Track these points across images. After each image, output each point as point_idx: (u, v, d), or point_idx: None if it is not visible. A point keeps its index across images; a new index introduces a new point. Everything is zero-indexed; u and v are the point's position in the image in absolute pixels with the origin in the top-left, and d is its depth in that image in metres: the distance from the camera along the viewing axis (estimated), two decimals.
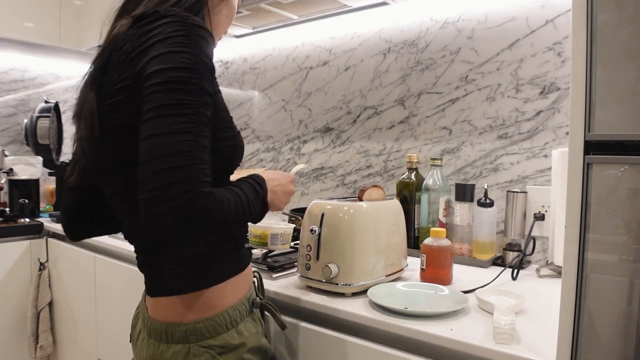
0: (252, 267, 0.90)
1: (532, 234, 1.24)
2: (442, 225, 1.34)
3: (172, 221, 0.58)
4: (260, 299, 0.89)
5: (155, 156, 0.59)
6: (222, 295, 0.77)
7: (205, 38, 0.65)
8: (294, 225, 1.25)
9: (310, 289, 1.02)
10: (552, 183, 1.17)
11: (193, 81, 0.62)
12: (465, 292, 0.96)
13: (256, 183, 0.75)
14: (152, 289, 0.78)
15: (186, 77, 0.61)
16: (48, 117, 2.22)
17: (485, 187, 1.31)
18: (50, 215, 2.13)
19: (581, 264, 0.62)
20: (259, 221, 0.77)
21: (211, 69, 0.66)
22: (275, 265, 1.15)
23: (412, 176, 1.41)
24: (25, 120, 2.29)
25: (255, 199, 0.72)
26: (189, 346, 0.73)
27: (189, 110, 0.60)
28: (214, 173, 0.68)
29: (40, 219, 2.09)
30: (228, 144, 0.74)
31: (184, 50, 0.62)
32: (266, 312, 0.91)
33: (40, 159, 2.28)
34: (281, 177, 0.83)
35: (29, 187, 2.14)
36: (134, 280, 1.40)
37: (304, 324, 0.96)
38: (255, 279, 0.92)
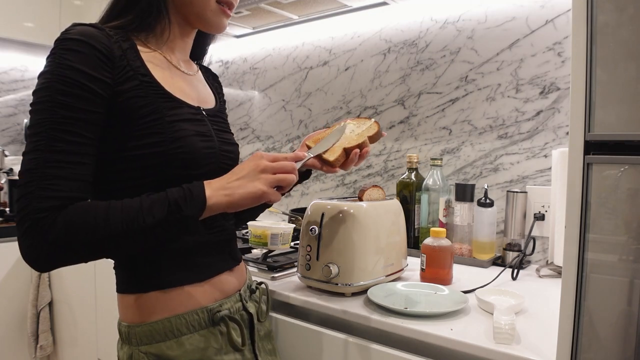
0: (241, 280, 0.86)
1: (532, 234, 1.24)
2: (442, 225, 1.34)
3: (19, 236, 0.62)
4: (245, 314, 0.84)
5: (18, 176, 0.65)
6: (165, 302, 0.73)
7: (72, 48, 0.65)
8: (294, 225, 1.25)
9: (310, 289, 1.02)
10: (552, 183, 1.17)
11: (45, 99, 0.63)
12: (465, 292, 0.96)
13: (177, 189, 0.68)
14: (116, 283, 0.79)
15: (40, 97, 0.64)
16: None
17: (485, 187, 1.31)
18: None
19: (581, 264, 0.62)
20: (180, 225, 0.67)
21: (71, 80, 0.64)
22: (275, 265, 1.15)
23: (412, 176, 1.41)
24: (25, 120, 2.29)
25: (159, 205, 0.66)
26: (132, 349, 0.73)
27: (41, 128, 0.63)
28: (143, 181, 0.69)
29: None
30: (151, 151, 0.69)
31: (45, 71, 0.65)
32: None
33: None
34: (238, 166, 0.74)
35: None
36: None
37: (304, 324, 0.96)
38: (242, 293, 0.85)
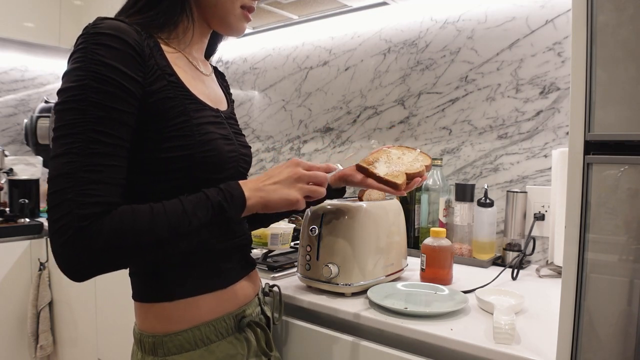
0: (257, 284, 0.87)
1: (532, 234, 1.24)
2: (442, 225, 1.34)
3: (58, 245, 0.58)
4: (263, 318, 0.85)
5: (47, 180, 0.60)
6: (194, 310, 0.72)
7: (105, 44, 0.61)
8: (294, 225, 1.25)
9: (310, 289, 1.02)
10: (552, 183, 1.17)
11: (79, 98, 0.59)
12: (465, 292, 0.96)
13: (216, 190, 0.68)
14: (132, 290, 0.76)
15: (72, 95, 0.59)
16: (48, 117, 2.22)
17: (485, 187, 1.31)
18: None
19: (581, 264, 0.62)
20: (223, 227, 0.68)
21: (106, 77, 0.60)
22: (275, 265, 1.15)
23: None
24: (25, 120, 2.29)
25: (202, 208, 0.65)
26: None
27: (75, 129, 0.58)
28: (166, 185, 0.68)
29: (40, 219, 2.09)
30: (178, 154, 0.68)
31: (76, 67, 0.61)
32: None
33: (40, 159, 2.28)
34: (274, 170, 0.75)
35: (29, 187, 2.14)
36: None
37: (304, 324, 0.96)
38: (260, 297, 0.87)
